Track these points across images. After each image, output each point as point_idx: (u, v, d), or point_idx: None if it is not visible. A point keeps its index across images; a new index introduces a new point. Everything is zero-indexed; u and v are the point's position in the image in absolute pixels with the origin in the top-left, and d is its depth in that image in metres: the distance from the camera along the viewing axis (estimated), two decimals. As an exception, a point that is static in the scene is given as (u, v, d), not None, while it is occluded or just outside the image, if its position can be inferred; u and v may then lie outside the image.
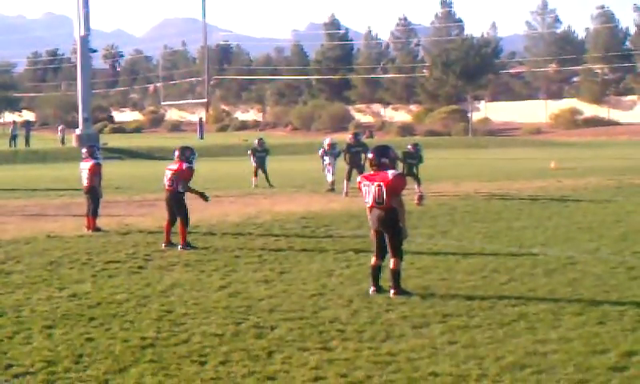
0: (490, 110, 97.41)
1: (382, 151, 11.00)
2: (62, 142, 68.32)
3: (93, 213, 17.53)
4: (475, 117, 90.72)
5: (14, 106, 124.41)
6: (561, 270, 12.33)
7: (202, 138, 76.25)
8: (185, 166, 15.20)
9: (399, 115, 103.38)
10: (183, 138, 64.07)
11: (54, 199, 25.09)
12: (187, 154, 15.45)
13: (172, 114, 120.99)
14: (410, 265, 12.44)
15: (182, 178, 15.15)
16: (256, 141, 30.96)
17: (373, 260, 10.95)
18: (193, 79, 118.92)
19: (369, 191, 10.74)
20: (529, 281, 11.53)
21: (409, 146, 25.07)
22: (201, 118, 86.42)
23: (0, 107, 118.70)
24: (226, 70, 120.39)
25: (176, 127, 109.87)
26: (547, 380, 7.22)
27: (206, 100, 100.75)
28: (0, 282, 11.97)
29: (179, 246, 14.82)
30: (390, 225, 10.61)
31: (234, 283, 11.70)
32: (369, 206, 10.82)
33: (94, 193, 17.56)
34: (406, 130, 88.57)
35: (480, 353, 8.06)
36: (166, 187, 15.35)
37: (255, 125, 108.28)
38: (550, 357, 7.90)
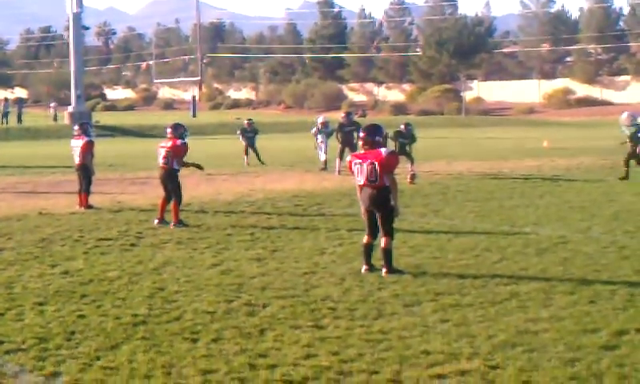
0: (483, 90, 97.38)
1: (375, 130, 10.96)
2: (55, 119, 68.11)
3: (85, 190, 17.50)
4: (468, 96, 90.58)
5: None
6: (552, 249, 12.36)
7: (194, 115, 76.06)
8: (179, 142, 15.17)
9: (392, 94, 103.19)
10: (176, 116, 63.87)
11: (46, 176, 25.05)
12: (180, 130, 15.43)
13: (164, 92, 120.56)
14: (402, 243, 12.45)
15: (177, 155, 15.12)
16: (245, 121, 30.85)
17: (365, 238, 10.94)
18: (186, 57, 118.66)
19: (361, 170, 10.69)
20: (520, 260, 11.55)
21: (401, 126, 25.06)
22: (194, 96, 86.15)
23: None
24: (219, 48, 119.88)
25: (168, 105, 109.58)
26: (538, 358, 7.24)
27: (198, 78, 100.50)
28: (-9, 259, 11.95)
29: (172, 224, 14.80)
30: (382, 203, 10.59)
31: (226, 261, 11.70)
32: (360, 184, 10.79)
33: (85, 170, 17.51)
34: (399, 109, 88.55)
35: (472, 331, 8.07)
36: (161, 165, 15.31)
37: (248, 103, 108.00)
38: (541, 335, 7.92)
